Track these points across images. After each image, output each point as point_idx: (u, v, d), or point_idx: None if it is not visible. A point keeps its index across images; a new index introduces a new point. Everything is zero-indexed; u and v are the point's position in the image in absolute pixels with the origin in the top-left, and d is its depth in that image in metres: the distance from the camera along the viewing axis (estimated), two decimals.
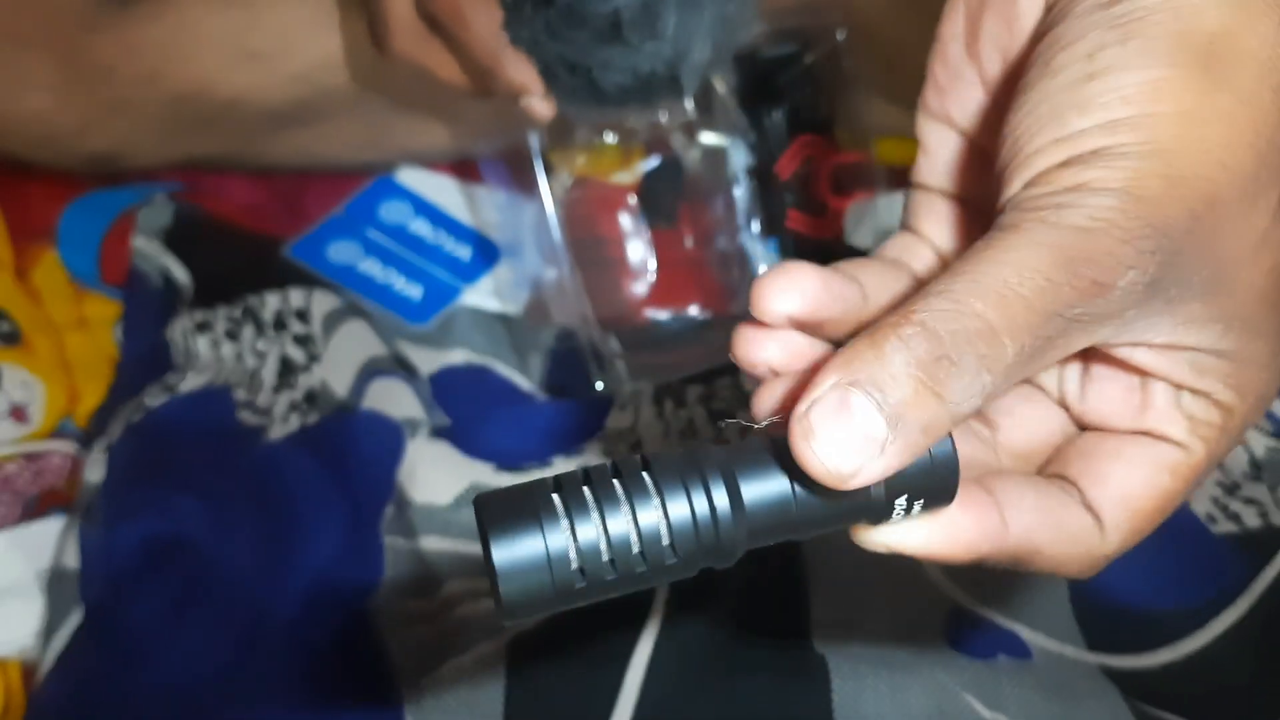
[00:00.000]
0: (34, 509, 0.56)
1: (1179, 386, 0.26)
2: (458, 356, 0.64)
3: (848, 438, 0.22)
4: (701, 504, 0.23)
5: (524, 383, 0.63)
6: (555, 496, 0.23)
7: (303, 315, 0.61)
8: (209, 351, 0.60)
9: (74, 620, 0.49)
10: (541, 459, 0.56)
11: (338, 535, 0.53)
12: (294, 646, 0.48)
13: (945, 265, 0.30)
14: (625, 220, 0.64)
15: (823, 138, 0.61)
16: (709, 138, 0.63)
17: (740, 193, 0.62)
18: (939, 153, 0.31)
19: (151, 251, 0.64)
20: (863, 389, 0.22)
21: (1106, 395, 0.28)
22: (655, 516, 0.23)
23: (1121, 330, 0.24)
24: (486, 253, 0.69)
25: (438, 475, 0.54)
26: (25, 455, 0.58)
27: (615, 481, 0.23)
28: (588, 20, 0.49)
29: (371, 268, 0.67)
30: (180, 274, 0.64)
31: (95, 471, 0.54)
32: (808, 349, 0.28)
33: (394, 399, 0.58)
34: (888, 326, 0.22)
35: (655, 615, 0.42)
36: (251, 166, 0.69)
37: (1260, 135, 0.24)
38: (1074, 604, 0.47)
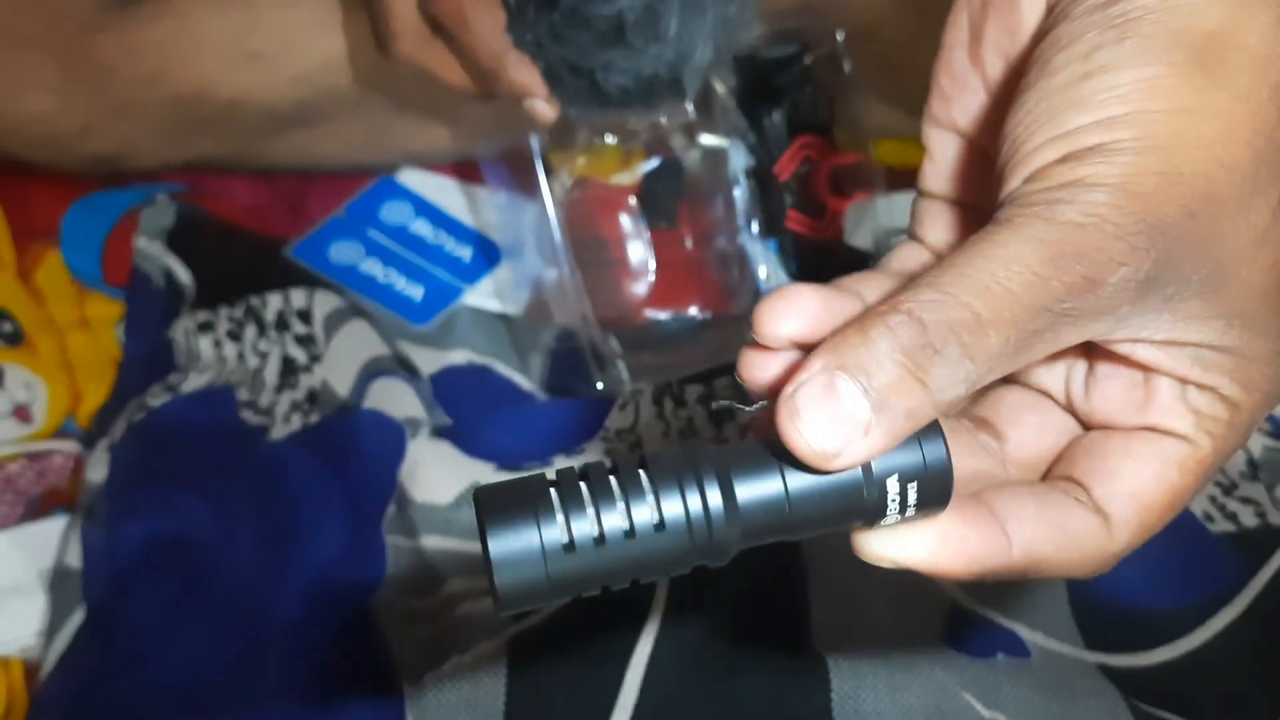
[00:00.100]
0: (37, 508, 0.56)
1: (1184, 381, 0.26)
2: (459, 356, 0.64)
3: (832, 419, 0.22)
4: (695, 502, 0.23)
5: (525, 383, 0.63)
6: (552, 491, 0.23)
7: (304, 315, 0.62)
8: (211, 351, 0.61)
9: (76, 619, 0.50)
10: (542, 459, 0.56)
11: (339, 534, 0.53)
12: (296, 645, 0.49)
13: None
14: (625, 221, 0.64)
15: (822, 139, 0.61)
16: (709, 139, 0.63)
17: (740, 193, 0.62)
18: (945, 159, 0.31)
19: (154, 252, 0.65)
20: (849, 373, 0.22)
21: (1110, 392, 0.28)
22: (649, 513, 0.23)
23: (1116, 326, 0.24)
24: (487, 253, 0.69)
25: (439, 475, 0.54)
26: (28, 455, 0.58)
27: (612, 478, 0.23)
28: (591, 23, 0.49)
29: (373, 268, 0.67)
30: (182, 274, 0.64)
31: (98, 471, 0.54)
32: None
33: (395, 399, 0.58)
34: (876, 315, 0.23)
35: (655, 614, 0.42)
36: (253, 167, 0.69)
37: (1258, 132, 0.24)
38: (1072, 603, 0.47)
